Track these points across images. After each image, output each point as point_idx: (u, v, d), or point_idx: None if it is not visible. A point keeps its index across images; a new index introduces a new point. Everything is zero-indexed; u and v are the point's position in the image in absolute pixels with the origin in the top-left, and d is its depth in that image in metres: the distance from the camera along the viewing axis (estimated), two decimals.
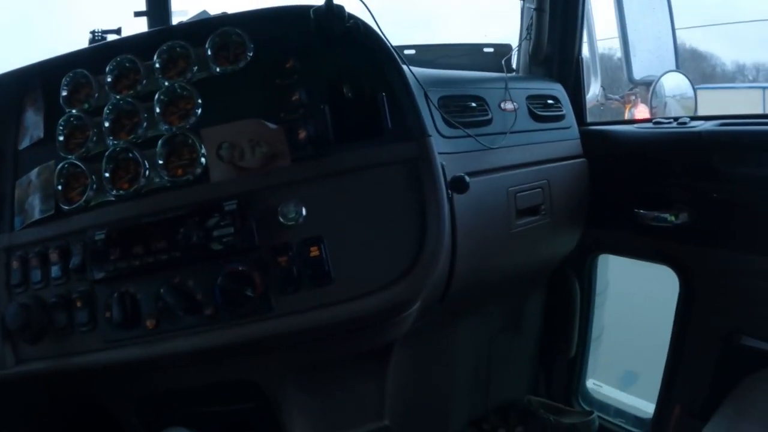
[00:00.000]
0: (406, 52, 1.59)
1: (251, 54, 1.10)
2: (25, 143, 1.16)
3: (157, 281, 1.01)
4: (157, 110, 1.07)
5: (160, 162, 1.04)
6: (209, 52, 1.10)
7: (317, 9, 1.06)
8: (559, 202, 1.47)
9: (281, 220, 0.99)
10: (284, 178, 1.02)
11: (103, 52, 1.18)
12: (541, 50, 1.64)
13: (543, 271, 1.66)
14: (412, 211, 1.03)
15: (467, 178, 1.09)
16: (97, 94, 1.14)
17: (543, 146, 1.46)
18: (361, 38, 1.09)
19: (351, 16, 1.08)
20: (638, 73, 2.03)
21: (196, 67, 1.10)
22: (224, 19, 1.15)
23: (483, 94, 1.37)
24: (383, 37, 1.11)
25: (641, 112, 2.30)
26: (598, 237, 1.62)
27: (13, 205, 1.13)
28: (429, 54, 1.62)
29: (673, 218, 1.44)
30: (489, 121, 1.34)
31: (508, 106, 1.41)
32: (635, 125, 1.61)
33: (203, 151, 1.03)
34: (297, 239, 1.00)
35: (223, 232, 0.99)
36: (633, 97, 2.31)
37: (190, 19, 1.27)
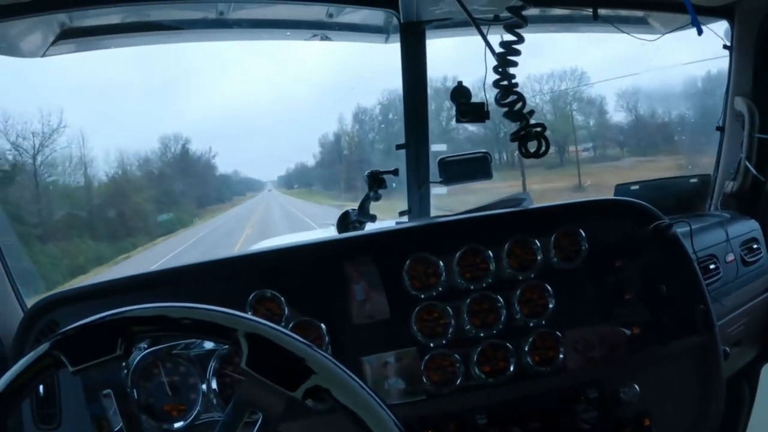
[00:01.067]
0: (632, 188, 1.88)
1: (585, 251, 1.38)
2: (362, 320, 1.32)
3: None
4: (517, 306, 1.34)
5: (526, 350, 1.32)
6: (552, 247, 1.37)
7: (659, 225, 1.37)
8: (755, 331, 1.81)
9: (623, 397, 1.32)
10: (624, 366, 1.35)
11: (432, 230, 1.43)
12: (743, 190, 1.93)
13: None
14: (701, 382, 1.40)
15: (728, 350, 1.43)
16: (443, 278, 1.34)
17: (747, 289, 1.78)
18: (668, 242, 1.40)
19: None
20: None
21: (540, 257, 1.37)
22: (562, 210, 1.44)
23: (715, 251, 1.68)
24: (683, 242, 1.42)
25: None
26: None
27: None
28: (651, 190, 1.90)
29: None
30: (719, 278, 1.65)
31: (730, 257, 1.72)
32: None
33: (562, 346, 1.33)
34: (633, 413, 1.34)
35: (589, 415, 1.31)
36: None
37: (509, 199, 1.53)
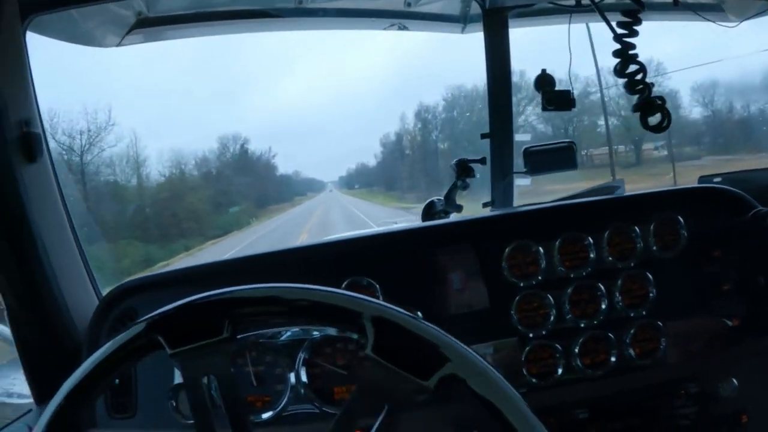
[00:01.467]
0: (715, 179, 1.83)
1: (685, 239, 1.34)
2: (460, 309, 1.30)
3: None
4: (618, 296, 1.30)
5: (627, 341, 1.28)
6: (652, 236, 1.33)
7: (758, 212, 1.32)
8: None
9: (721, 393, 1.27)
10: (722, 360, 1.31)
11: (532, 218, 1.39)
12: None
13: None
14: None
15: None
16: (543, 266, 1.30)
17: None
18: (766, 231, 1.34)
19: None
20: None
21: (640, 245, 1.33)
22: (660, 198, 1.40)
23: None
24: None
25: None
26: None
27: None
28: (734, 182, 1.85)
29: None
30: None
31: None
32: None
33: (663, 338, 1.29)
34: (731, 409, 1.29)
35: (689, 411, 1.27)
36: None
37: (600, 187, 1.50)
